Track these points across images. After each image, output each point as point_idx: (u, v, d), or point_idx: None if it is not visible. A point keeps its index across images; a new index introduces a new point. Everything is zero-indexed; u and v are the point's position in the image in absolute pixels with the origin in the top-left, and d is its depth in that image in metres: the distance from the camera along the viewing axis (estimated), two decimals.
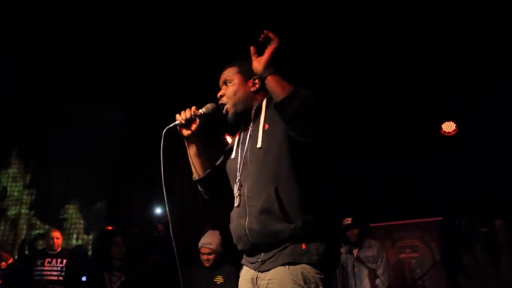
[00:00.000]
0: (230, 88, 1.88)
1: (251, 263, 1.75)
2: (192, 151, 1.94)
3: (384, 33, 4.72)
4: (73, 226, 6.83)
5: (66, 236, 6.51)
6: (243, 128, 1.92)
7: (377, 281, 4.32)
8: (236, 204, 1.78)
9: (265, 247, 1.68)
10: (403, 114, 5.38)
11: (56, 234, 5.04)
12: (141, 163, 6.60)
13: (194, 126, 1.89)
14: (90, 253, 6.65)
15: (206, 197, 2.05)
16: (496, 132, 5.11)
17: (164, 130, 1.85)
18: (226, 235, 1.98)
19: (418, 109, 5.39)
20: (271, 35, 1.68)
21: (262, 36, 1.69)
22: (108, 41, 4.85)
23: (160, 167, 1.83)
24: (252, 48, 1.73)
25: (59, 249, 4.98)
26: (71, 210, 6.94)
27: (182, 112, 1.88)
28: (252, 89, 1.88)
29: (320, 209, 1.68)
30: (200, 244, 3.68)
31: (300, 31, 4.60)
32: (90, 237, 6.79)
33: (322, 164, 1.75)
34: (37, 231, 6.74)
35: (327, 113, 1.65)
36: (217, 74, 1.98)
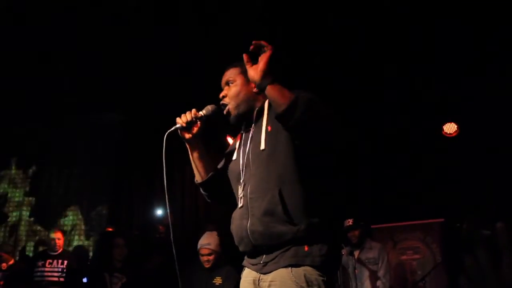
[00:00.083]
0: (233, 89, 1.87)
1: (253, 264, 1.74)
2: (194, 154, 1.93)
3: (386, 33, 4.72)
4: (73, 232, 6.82)
5: (67, 242, 6.50)
6: (245, 129, 1.91)
7: (378, 283, 4.32)
8: (240, 205, 1.77)
9: (267, 249, 1.67)
10: (405, 115, 5.38)
11: (58, 234, 5.04)
12: (141, 164, 6.61)
13: (195, 129, 1.88)
14: (91, 254, 6.66)
15: (208, 200, 2.04)
16: (497, 134, 5.10)
17: (165, 134, 1.84)
18: (227, 236, 1.98)
19: (419, 110, 5.38)
20: (262, 43, 1.66)
21: (251, 47, 1.67)
22: (108, 43, 4.85)
23: (161, 169, 1.83)
24: (245, 56, 1.71)
25: (60, 250, 4.99)
26: (72, 215, 6.93)
27: (183, 115, 1.87)
28: (255, 90, 1.82)
29: (325, 212, 1.67)
30: (199, 246, 3.68)
31: (300, 31, 4.61)
32: (91, 241, 6.79)
33: (328, 165, 1.74)
34: (37, 238, 6.74)
35: (333, 114, 1.62)
36: (216, 76, 1.98)
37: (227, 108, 1.87)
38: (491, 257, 4.59)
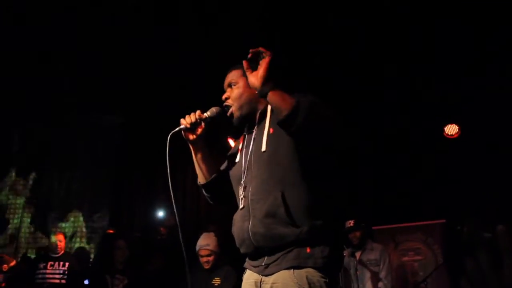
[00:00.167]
0: (235, 91, 1.87)
1: (255, 266, 1.74)
2: (197, 155, 1.93)
3: (386, 33, 4.72)
4: (74, 240, 6.80)
5: (68, 248, 6.49)
6: (248, 131, 1.91)
7: (380, 284, 4.31)
8: (241, 206, 1.78)
9: (268, 250, 1.67)
10: (406, 116, 5.37)
11: (59, 237, 5.03)
12: (142, 166, 6.60)
13: (199, 130, 1.88)
14: (92, 256, 6.65)
15: (211, 201, 2.04)
16: (499, 135, 5.09)
17: (169, 135, 1.84)
18: (227, 236, 1.98)
19: (420, 111, 5.37)
20: (260, 49, 1.66)
21: (249, 55, 1.67)
22: (108, 43, 4.85)
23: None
24: (244, 63, 1.71)
25: (61, 252, 4.98)
26: (74, 220, 6.91)
27: (187, 116, 1.87)
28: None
29: (328, 213, 1.66)
30: (198, 247, 3.68)
31: (300, 30, 4.60)
32: (92, 245, 6.77)
33: (330, 167, 1.74)
34: (38, 245, 6.72)
35: (334, 116, 1.62)
36: (215, 76, 1.97)
37: (230, 110, 1.87)
38: (492, 259, 4.59)
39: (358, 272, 4.31)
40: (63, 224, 6.88)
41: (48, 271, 4.83)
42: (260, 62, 1.67)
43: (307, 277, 1.57)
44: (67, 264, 4.88)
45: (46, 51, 4.98)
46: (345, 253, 4.35)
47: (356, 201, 5.16)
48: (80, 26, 4.60)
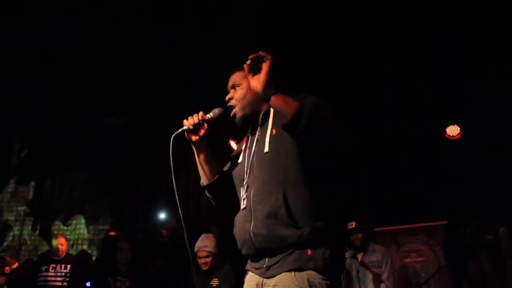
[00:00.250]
0: (239, 92, 1.88)
1: (256, 268, 1.73)
2: (200, 156, 1.93)
3: (386, 33, 4.71)
4: (76, 246, 6.78)
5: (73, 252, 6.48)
6: (251, 132, 1.92)
7: (382, 286, 4.30)
8: (242, 206, 1.78)
9: (270, 252, 1.66)
10: (407, 117, 5.36)
11: (61, 240, 5.02)
12: (144, 168, 6.59)
13: (202, 131, 1.89)
14: (94, 258, 6.63)
15: (214, 202, 2.05)
16: (500, 136, 5.09)
17: (172, 136, 1.84)
18: (230, 238, 1.96)
19: (422, 112, 5.36)
20: (261, 53, 1.67)
21: (249, 61, 1.68)
22: (108, 43, 4.84)
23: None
24: (246, 67, 1.72)
25: (63, 255, 4.97)
26: (76, 224, 6.89)
27: (190, 117, 1.87)
28: None
29: (329, 215, 1.66)
30: (196, 248, 3.70)
31: (300, 31, 4.59)
32: (94, 248, 6.75)
33: (332, 169, 1.74)
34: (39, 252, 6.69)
35: (337, 118, 1.62)
36: (215, 76, 1.96)
37: (234, 110, 1.88)
38: (494, 261, 4.59)
39: (360, 274, 4.29)
40: (65, 228, 6.85)
41: (50, 274, 4.84)
42: (262, 66, 1.67)
43: (308, 280, 1.57)
44: (68, 266, 4.89)
45: (46, 51, 4.97)
46: (347, 254, 4.34)
47: (358, 203, 5.14)
48: (80, 26, 4.59)
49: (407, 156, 5.37)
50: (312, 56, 4.87)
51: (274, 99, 1.64)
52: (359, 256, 4.42)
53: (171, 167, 1.83)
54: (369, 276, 4.34)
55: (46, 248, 6.25)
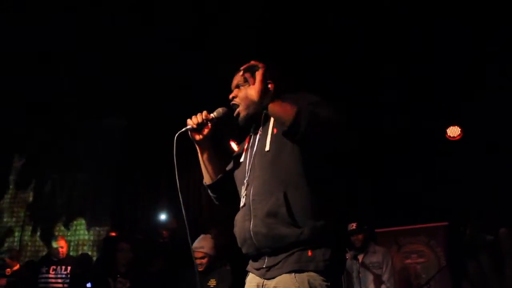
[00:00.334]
0: (243, 91, 1.88)
1: (256, 269, 1.73)
2: (204, 155, 1.94)
3: (386, 33, 4.70)
4: (76, 247, 6.77)
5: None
6: (253, 132, 1.92)
7: (383, 287, 4.28)
8: (242, 204, 1.78)
9: (270, 251, 1.66)
10: (407, 118, 5.35)
11: (61, 243, 5.01)
12: (144, 168, 6.58)
13: (205, 131, 1.89)
14: (94, 259, 6.62)
15: (216, 202, 2.05)
16: (501, 137, 5.08)
17: (176, 135, 1.85)
18: (230, 239, 1.96)
19: (422, 113, 5.36)
20: (252, 63, 1.69)
21: (240, 72, 1.71)
22: (108, 43, 4.83)
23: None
24: (247, 75, 1.74)
25: (63, 257, 4.96)
26: (77, 227, 6.88)
27: (194, 117, 1.88)
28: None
29: (330, 215, 1.65)
30: (192, 249, 3.67)
31: (300, 31, 4.59)
32: (94, 249, 6.74)
33: (333, 169, 1.74)
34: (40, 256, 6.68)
35: (338, 118, 1.63)
36: (215, 76, 1.96)
37: (237, 109, 1.88)
38: (494, 262, 4.59)
39: (360, 275, 4.28)
40: (66, 230, 6.84)
41: (50, 275, 4.83)
42: (255, 74, 1.69)
43: (308, 281, 1.56)
44: (69, 268, 4.88)
45: (46, 51, 4.96)
46: (348, 256, 4.33)
47: (358, 204, 5.14)
48: (80, 26, 4.59)
49: (407, 157, 5.36)
50: (312, 56, 4.86)
51: (271, 107, 1.65)
52: (360, 257, 4.40)
53: (174, 166, 1.84)
54: (370, 277, 4.33)
55: (46, 253, 6.26)
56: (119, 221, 6.64)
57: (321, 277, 1.57)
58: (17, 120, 6.35)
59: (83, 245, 6.77)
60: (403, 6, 4.38)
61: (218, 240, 3.85)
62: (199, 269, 3.61)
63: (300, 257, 1.59)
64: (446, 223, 5.33)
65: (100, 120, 6.73)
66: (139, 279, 4.61)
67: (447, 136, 5.58)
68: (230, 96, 1.91)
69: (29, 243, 6.87)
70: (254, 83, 1.70)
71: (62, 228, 6.85)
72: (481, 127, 5.26)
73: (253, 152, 1.84)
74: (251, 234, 1.68)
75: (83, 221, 6.88)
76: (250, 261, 1.80)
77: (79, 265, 5.14)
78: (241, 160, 1.91)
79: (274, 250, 1.65)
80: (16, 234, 6.91)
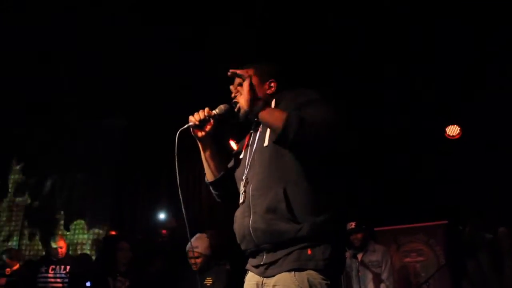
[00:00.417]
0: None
1: (255, 267, 1.73)
2: (206, 152, 1.94)
3: (386, 33, 4.70)
4: (75, 246, 6.77)
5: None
6: (254, 129, 1.93)
7: (382, 286, 4.29)
8: (241, 200, 1.78)
9: (269, 247, 1.66)
10: (407, 116, 5.36)
11: (60, 243, 5.01)
12: (144, 168, 6.58)
13: (208, 127, 1.89)
14: (93, 258, 6.62)
15: (218, 199, 2.05)
16: (500, 136, 5.08)
17: (178, 132, 1.85)
18: (229, 238, 1.97)
19: (421, 111, 5.36)
20: (238, 72, 1.71)
21: (228, 73, 1.73)
22: (108, 45, 4.83)
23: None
24: (245, 82, 1.75)
25: (63, 257, 4.97)
26: (77, 228, 6.87)
27: (196, 114, 1.88)
28: (268, 91, 1.89)
29: (329, 213, 1.65)
30: (187, 248, 3.70)
31: (300, 30, 4.59)
32: (93, 249, 6.74)
33: (332, 167, 1.74)
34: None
35: (335, 119, 1.63)
36: (215, 76, 1.96)
37: (238, 105, 1.87)
38: (493, 261, 4.59)
39: (360, 274, 4.29)
40: (65, 230, 6.84)
41: (49, 275, 4.83)
42: (243, 84, 1.73)
43: (308, 280, 1.56)
44: (68, 267, 4.87)
45: (46, 51, 4.96)
46: (347, 254, 4.33)
47: (357, 203, 5.14)
48: (80, 26, 4.59)
49: (407, 156, 5.37)
50: (312, 56, 4.86)
51: (261, 115, 1.68)
52: (359, 256, 4.41)
53: (175, 163, 1.83)
54: (369, 276, 4.34)
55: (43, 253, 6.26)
56: (118, 221, 6.64)
57: (321, 276, 1.58)
58: (17, 120, 6.35)
59: (83, 245, 6.77)
60: (403, 6, 4.37)
61: (214, 239, 3.85)
62: (194, 269, 3.63)
63: (299, 256, 1.59)
64: (445, 222, 5.34)
65: (100, 120, 6.73)
66: (138, 278, 4.62)
67: (447, 135, 5.58)
68: (232, 95, 1.92)
69: (29, 247, 6.86)
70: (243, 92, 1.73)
71: (62, 228, 6.84)
72: (481, 127, 5.26)
73: (253, 149, 1.84)
74: (250, 230, 1.69)
75: (83, 222, 6.88)
76: (249, 259, 1.80)
77: (78, 264, 5.13)
78: (241, 157, 1.91)
79: (273, 246, 1.65)
80: (15, 238, 6.91)
